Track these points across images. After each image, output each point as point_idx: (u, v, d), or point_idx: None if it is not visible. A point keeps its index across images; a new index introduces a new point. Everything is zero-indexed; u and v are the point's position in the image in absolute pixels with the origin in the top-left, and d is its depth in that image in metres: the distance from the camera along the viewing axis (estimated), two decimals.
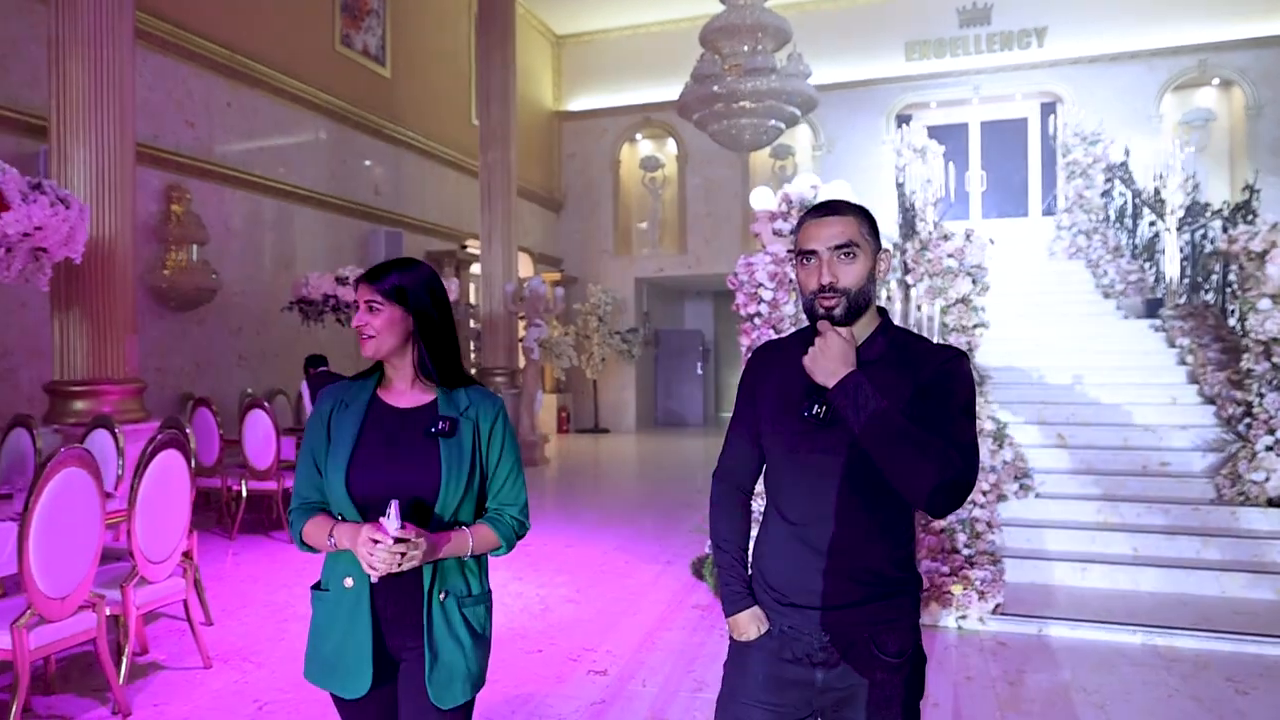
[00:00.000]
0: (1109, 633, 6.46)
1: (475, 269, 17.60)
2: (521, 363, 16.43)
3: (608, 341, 21.86)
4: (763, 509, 2.64)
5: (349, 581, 2.59)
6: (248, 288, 13.09)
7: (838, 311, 2.35)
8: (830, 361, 2.28)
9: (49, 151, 8.04)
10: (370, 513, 2.52)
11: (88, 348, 7.99)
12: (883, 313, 2.51)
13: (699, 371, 24.76)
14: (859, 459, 2.32)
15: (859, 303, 2.38)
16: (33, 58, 9.62)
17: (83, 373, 8.00)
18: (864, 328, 2.44)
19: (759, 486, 2.65)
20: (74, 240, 6.50)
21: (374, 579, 2.48)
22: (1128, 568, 7.47)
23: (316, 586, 2.72)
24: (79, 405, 7.97)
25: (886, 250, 2.47)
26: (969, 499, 7.66)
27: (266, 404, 9.85)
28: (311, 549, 2.68)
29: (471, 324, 17.98)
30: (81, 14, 7.90)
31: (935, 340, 7.87)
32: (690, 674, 5.70)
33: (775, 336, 2.78)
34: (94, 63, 7.93)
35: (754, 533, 2.68)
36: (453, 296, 14.72)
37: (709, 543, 8.24)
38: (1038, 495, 8.33)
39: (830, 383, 2.28)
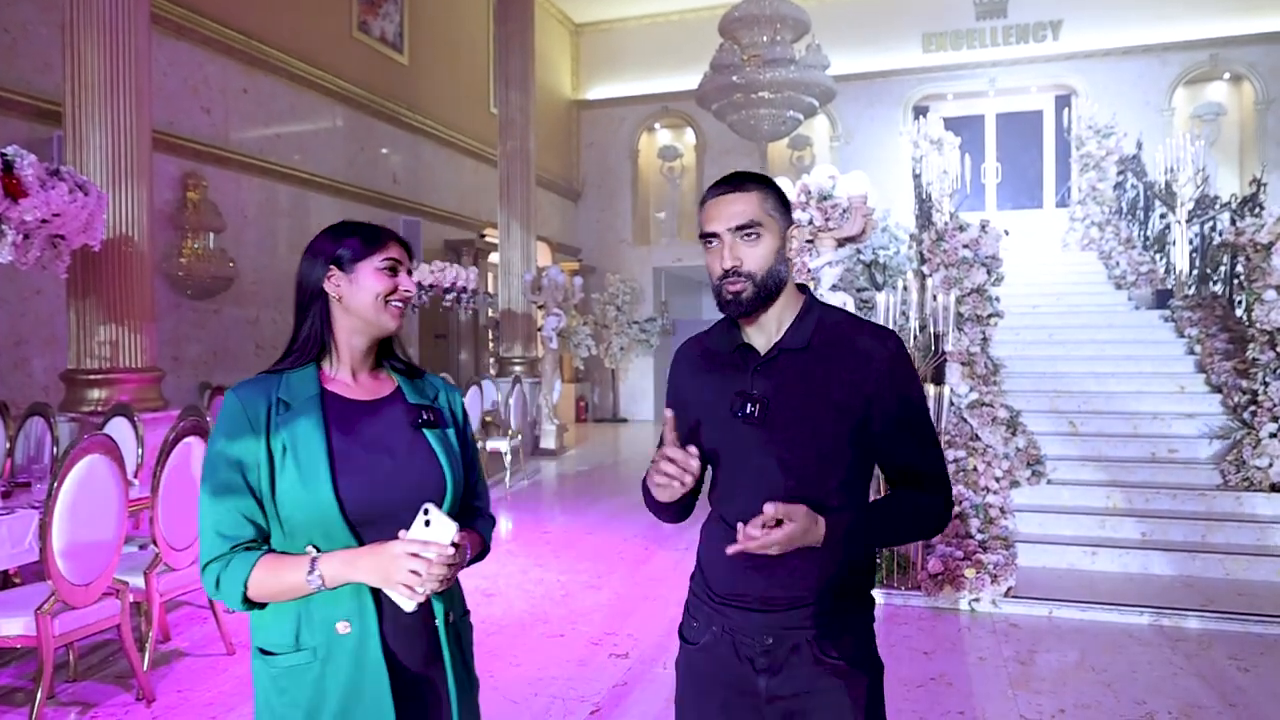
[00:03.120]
0: (1117, 614, 6.56)
1: (494, 258, 17.64)
2: (540, 352, 16.47)
3: (626, 331, 21.85)
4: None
5: (343, 627, 2.02)
6: (264, 276, 13.07)
7: (745, 295, 2.16)
8: (797, 543, 2.02)
9: (63, 137, 7.91)
10: (368, 531, 2.03)
11: (105, 336, 7.85)
12: (805, 290, 2.33)
13: None
14: (799, 457, 2.16)
15: (768, 285, 2.18)
16: (43, 41, 9.60)
17: (100, 361, 7.85)
18: (787, 310, 2.25)
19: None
20: (92, 228, 6.48)
21: (412, 608, 1.96)
22: (1136, 551, 7.59)
23: (268, 652, 2.08)
24: (95, 394, 7.82)
25: (798, 225, 2.33)
26: (982, 486, 7.75)
27: None
28: (257, 606, 2.05)
29: (490, 313, 18.00)
30: None
31: (950, 331, 7.92)
32: None
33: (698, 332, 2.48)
34: (109, 47, 7.75)
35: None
36: (471, 285, 14.78)
37: None
38: (1049, 481, 8.46)
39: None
